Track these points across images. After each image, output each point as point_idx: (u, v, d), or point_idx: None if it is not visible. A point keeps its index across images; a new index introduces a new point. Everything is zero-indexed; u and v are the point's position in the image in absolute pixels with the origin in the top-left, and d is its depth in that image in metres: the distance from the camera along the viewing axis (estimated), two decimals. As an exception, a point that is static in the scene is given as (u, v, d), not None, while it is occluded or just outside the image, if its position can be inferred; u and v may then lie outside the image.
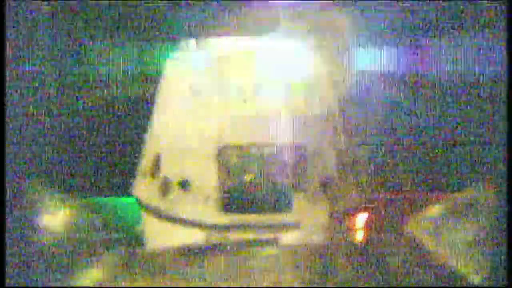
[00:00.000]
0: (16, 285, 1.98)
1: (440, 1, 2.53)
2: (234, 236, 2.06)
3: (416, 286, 1.97)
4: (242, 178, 2.12)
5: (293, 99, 2.14)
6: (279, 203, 2.10)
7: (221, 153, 2.09)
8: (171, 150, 2.15)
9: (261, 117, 2.11)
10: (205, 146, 2.09)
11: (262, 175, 2.11)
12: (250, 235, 2.06)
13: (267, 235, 2.07)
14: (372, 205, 2.30)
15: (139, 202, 2.26)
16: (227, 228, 2.07)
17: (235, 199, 2.10)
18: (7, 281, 1.95)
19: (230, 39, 2.21)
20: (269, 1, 2.22)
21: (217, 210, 2.08)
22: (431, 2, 2.51)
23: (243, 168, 2.11)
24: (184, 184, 2.11)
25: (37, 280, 2.02)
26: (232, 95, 2.11)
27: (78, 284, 2.03)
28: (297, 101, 2.14)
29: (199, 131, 2.11)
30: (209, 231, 2.08)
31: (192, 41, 2.21)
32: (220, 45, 2.20)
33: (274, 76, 2.14)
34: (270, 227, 2.08)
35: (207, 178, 2.09)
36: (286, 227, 2.09)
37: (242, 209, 2.09)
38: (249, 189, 2.11)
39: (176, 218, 2.11)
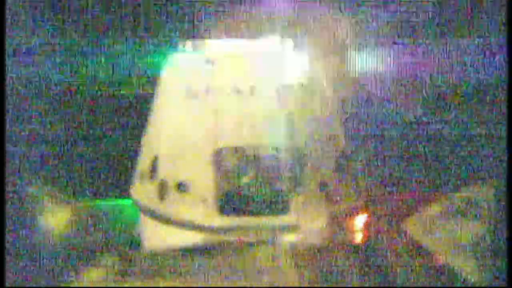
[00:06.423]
0: (16, 285, 1.99)
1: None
2: (232, 238, 2.06)
3: (416, 286, 1.96)
4: (239, 180, 2.11)
5: (290, 100, 2.13)
6: (277, 205, 2.09)
7: (218, 155, 2.09)
8: (168, 152, 2.15)
9: (258, 119, 2.10)
10: (202, 148, 2.08)
11: (259, 177, 2.11)
12: (248, 237, 2.06)
13: (265, 237, 2.07)
14: (372, 206, 2.29)
15: (137, 204, 2.26)
16: (224, 230, 2.07)
17: (232, 201, 2.09)
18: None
19: (226, 41, 2.20)
20: (267, 4, 2.21)
21: (215, 212, 2.08)
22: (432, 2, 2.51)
23: (240, 170, 2.10)
24: (181, 186, 2.10)
25: (36, 280, 2.03)
26: (229, 97, 2.11)
27: (78, 284, 2.04)
28: (294, 103, 2.13)
29: (196, 133, 2.10)
30: (207, 233, 2.08)
31: (188, 43, 2.20)
32: (216, 47, 2.19)
33: (271, 77, 2.13)
34: (268, 229, 2.07)
35: (205, 180, 2.08)
36: (284, 228, 2.08)
37: (239, 211, 2.08)
38: (246, 191, 2.10)
39: (174, 220, 2.11)
